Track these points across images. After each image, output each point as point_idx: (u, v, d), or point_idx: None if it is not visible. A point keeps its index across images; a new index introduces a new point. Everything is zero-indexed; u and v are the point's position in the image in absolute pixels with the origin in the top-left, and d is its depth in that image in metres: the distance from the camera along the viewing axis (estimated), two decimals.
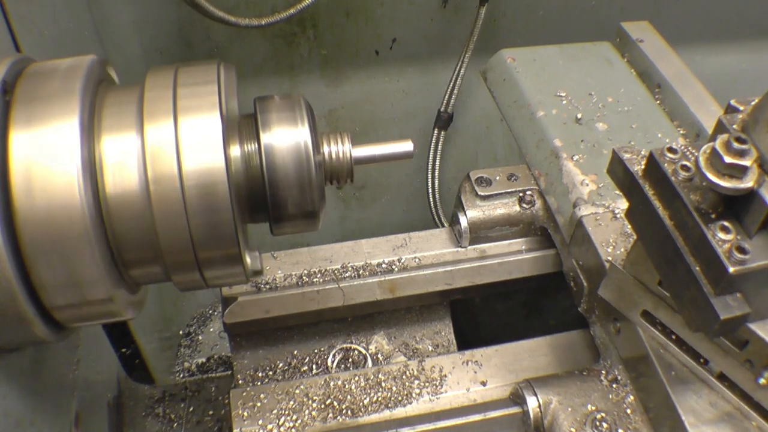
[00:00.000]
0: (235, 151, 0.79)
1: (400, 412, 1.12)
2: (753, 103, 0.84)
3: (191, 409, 1.41)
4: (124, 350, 1.68)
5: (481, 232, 1.32)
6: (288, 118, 0.81)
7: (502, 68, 1.45)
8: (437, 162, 2.38)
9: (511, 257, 1.33)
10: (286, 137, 0.80)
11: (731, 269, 0.74)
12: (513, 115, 1.39)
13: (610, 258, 1.06)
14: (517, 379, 1.14)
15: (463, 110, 2.46)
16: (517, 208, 1.32)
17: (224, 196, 0.74)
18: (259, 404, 1.11)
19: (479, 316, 1.49)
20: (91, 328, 1.22)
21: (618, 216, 1.14)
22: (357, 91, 2.38)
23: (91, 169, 0.71)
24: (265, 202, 0.81)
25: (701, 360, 0.97)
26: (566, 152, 1.25)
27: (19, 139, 0.69)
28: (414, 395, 1.14)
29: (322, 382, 1.14)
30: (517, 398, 1.10)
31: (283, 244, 1.24)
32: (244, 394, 1.12)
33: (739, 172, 0.74)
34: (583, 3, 2.33)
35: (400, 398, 1.13)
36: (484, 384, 1.17)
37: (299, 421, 1.09)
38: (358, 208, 2.68)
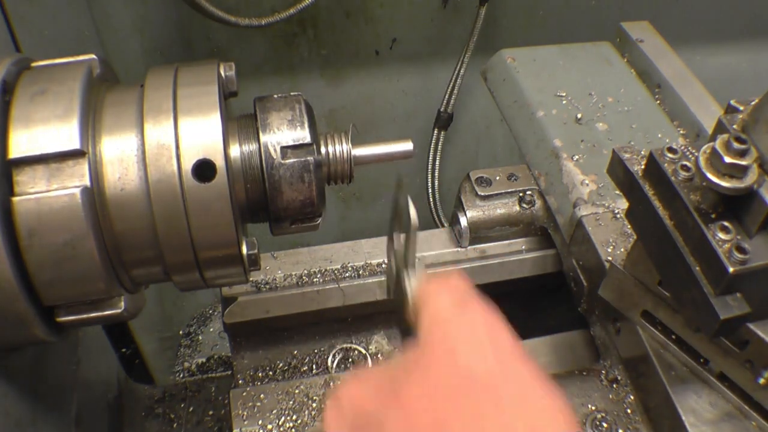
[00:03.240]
0: (235, 151, 0.79)
1: None
2: (753, 103, 0.83)
3: (191, 409, 1.41)
4: (124, 350, 1.68)
5: (481, 232, 1.32)
6: (288, 118, 0.81)
7: (502, 68, 1.45)
8: (437, 162, 2.37)
9: (511, 257, 1.33)
10: (285, 137, 0.80)
11: (731, 269, 0.74)
12: (513, 115, 1.39)
13: (610, 258, 1.06)
14: None
15: (463, 110, 2.46)
16: (517, 208, 1.32)
17: (224, 197, 0.74)
18: (259, 404, 1.11)
19: None
20: (91, 328, 1.22)
21: (618, 216, 1.13)
22: (357, 91, 2.38)
23: (91, 170, 0.71)
24: (265, 202, 0.81)
25: (701, 360, 0.96)
26: (566, 152, 1.25)
27: (18, 139, 0.69)
28: None
29: (322, 382, 1.14)
30: None
31: (283, 244, 1.24)
32: (244, 394, 1.12)
33: (739, 172, 0.74)
34: (583, 3, 2.33)
35: None
36: None
37: (299, 421, 1.09)
38: (358, 208, 2.68)
